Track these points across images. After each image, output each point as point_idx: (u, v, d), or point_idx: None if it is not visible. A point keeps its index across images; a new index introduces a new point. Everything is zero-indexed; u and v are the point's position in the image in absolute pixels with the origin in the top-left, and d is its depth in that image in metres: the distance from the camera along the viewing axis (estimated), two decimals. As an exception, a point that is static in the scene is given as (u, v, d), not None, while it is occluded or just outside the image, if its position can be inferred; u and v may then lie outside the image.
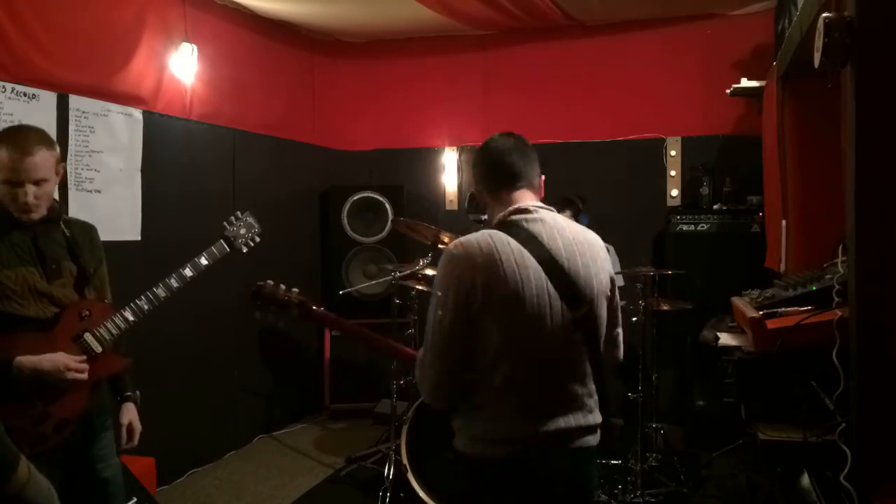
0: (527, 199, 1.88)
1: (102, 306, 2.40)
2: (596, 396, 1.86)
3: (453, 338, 1.74)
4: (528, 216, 1.83)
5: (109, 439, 2.46)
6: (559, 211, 1.98)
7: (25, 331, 2.19)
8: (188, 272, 2.57)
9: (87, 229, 2.48)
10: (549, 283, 1.74)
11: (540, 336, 1.74)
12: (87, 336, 2.31)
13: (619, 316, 1.98)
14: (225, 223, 2.72)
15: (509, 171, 1.90)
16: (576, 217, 4.61)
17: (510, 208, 1.86)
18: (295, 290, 2.21)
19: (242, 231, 2.75)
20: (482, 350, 1.73)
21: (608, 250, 5.12)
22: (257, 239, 2.79)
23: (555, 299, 1.74)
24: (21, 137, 2.21)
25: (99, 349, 2.32)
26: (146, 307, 2.45)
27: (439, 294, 1.77)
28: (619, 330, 1.99)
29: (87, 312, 2.33)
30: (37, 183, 2.20)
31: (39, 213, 2.26)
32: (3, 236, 2.21)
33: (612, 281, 1.91)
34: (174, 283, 2.53)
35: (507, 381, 1.73)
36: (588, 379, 1.83)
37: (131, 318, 2.41)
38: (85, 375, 2.24)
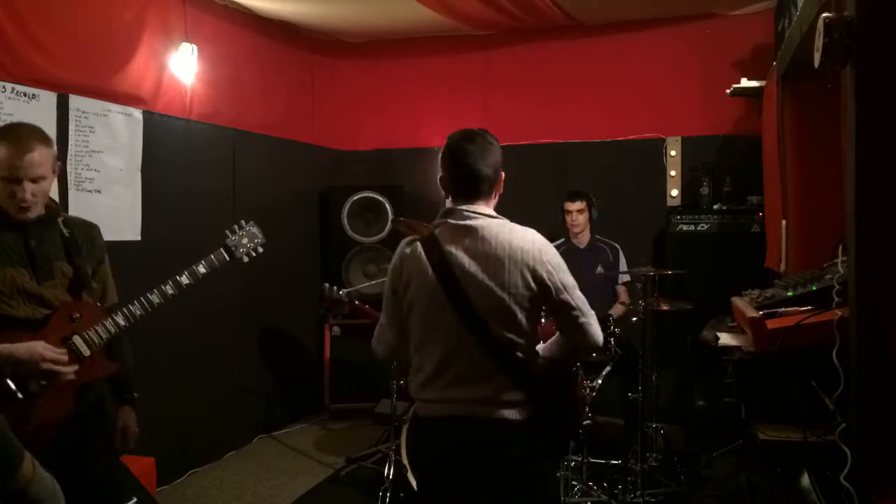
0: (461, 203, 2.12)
1: (94, 309, 2.35)
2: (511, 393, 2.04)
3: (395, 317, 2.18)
4: (451, 219, 2.09)
5: (103, 441, 2.42)
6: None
7: (14, 332, 2.16)
8: (185, 280, 2.51)
9: (88, 228, 2.45)
10: (441, 288, 2.02)
11: (438, 334, 2.04)
12: (76, 338, 2.27)
13: (575, 306, 2.06)
14: (227, 231, 2.67)
15: (466, 181, 2.11)
16: (589, 209, 4.66)
17: (444, 209, 2.15)
18: (343, 290, 3.00)
19: (245, 241, 2.69)
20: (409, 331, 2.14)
21: (616, 251, 5.13)
22: (260, 249, 2.73)
23: (445, 303, 2.02)
24: (19, 134, 2.19)
25: (87, 352, 2.28)
26: (139, 312, 2.39)
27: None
28: (582, 319, 2.06)
29: (78, 315, 2.29)
30: (34, 180, 2.19)
31: (36, 210, 2.24)
32: None
33: (543, 280, 2.03)
34: (169, 289, 2.47)
35: (419, 363, 2.10)
36: (491, 371, 2.02)
37: (122, 322, 2.36)
38: (65, 369, 2.20)
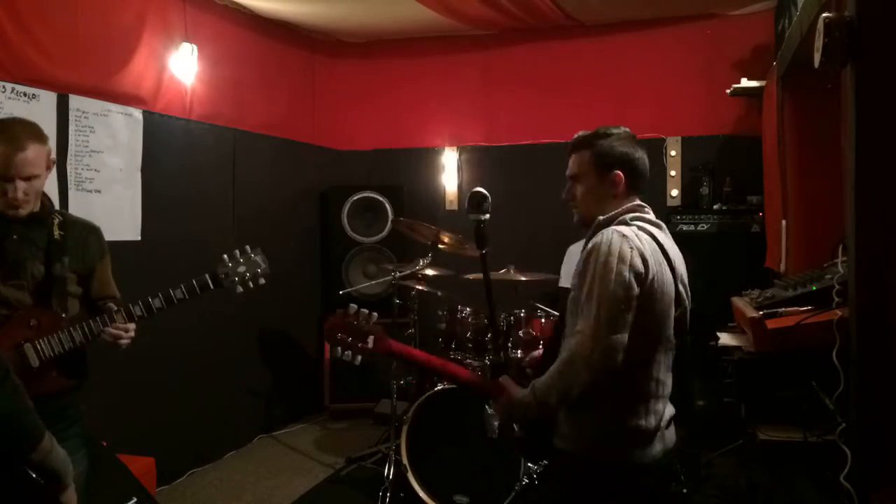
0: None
1: (55, 319, 2.21)
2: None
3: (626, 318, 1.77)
4: (648, 215, 1.98)
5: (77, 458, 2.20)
6: None
7: None
8: (157, 303, 2.32)
9: (85, 232, 2.38)
10: (672, 286, 1.88)
11: (668, 330, 1.88)
12: (27, 346, 2.13)
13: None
14: (225, 256, 2.47)
15: (643, 175, 2.05)
16: None
17: (629, 205, 1.98)
18: (374, 313, 1.94)
19: (241, 269, 2.48)
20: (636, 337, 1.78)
21: None
22: (261, 281, 2.51)
23: (672, 303, 1.89)
24: (12, 131, 2.14)
25: (36, 363, 2.13)
26: (96, 330, 2.23)
27: (611, 276, 1.76)
28: None
29: (35, 322, 2.17)
30: (27, 179, 2.14)
31: (28, 208, 2.19)
32: None
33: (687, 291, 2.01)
34: (138, 311, 2.29)
35: (650, 373, 1.85)
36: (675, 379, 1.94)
37: (79, 338, 2.20)
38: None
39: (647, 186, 2.07)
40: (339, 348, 1.97)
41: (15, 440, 1.35)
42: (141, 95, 4.11)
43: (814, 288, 2.50)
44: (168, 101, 4.34)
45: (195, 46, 4.48)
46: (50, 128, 3.51)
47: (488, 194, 2.14)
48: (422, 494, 3.49)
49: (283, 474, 4.47)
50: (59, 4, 3.59)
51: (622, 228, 1.84)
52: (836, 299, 2.29)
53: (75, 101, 3.69)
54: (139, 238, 4.06)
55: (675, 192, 5.43)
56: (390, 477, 3.82)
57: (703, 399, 4.73)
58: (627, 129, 2.06)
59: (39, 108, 3.48)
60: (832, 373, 2.05)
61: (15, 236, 2.20)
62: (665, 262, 1.86)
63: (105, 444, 2.96)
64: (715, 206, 5.06)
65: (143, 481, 3.05)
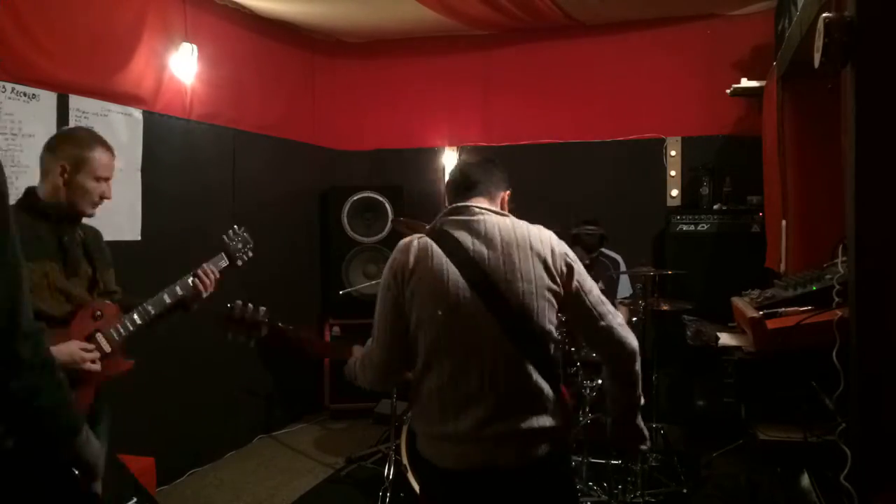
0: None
1: (113, 308, 2.47)
2: (547, 396, 1.81)
3: (396, 331, 1.87)
4: (459, 216, 1.91)
5: (106, 436, 2.47)
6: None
7: None
8: (189, 281, 2.71)
9: (97, 234, 2.57)
10: (468, 286, 1.79)
11: (464, 336, 1.79)
12: (99, 336, 2.38)
13: (600, 309, 1.89)
14: (224, 237, 2.80)
15: (463, 182, 1.99)
16: (600, 242, 4.59)
17: (450, 207, 1.97)
18: (262, 308, 2.26)
19: (239, 245, 2.88)
20: (415, 346, 1.84)
21: (617, 264, 4.99)
22: (250, 254, 2.90)
23: (474, 301, 1.78)
24: (102, 140, 2.46)
25: (109, 349, 2.39)
26: (153, 311, 2.54)
27: (381, 289, 1.93)
28: (605, 322, 1.88)
29: (100, 313, 2.41)
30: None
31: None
32: (34, 227, 2.29)
33: (562, 271, 1.86)
34: (178, 290, 2.65)
35: (435, 383, 1.80)
36: (530, 379, 1.79)
37: (139, 321, 2.50)
38: (98, 367, 2.32)
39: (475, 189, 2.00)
40: (232, 335, 2.23)
41: (58, 432, 1.39)
42: (141, 95, 4.11)
43: (814, 288, 2.50)
44: (168, 101, 4.34)
45: (195, 46, 4.48)
46: (50, 128, 3.51)
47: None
48: (422, 494, 3.48)
49: (283, 474, 4.47)
50: (59, 4, 3.59)
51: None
52: (836, 299, 2.29)
53: (75, 101, 3.69)
54: (139, 238, 4.06)
55: (675, 192, 5.43)
56: (390, 477, 3.82)
57: (703, 399, 4.74)
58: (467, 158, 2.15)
59: (39, 108, 3.48)
60: (832, 373, 2.05)
61: (65, 236, 2.38)
62: (447, 261, 1.81)
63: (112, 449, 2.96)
64: (715, 206, 5.06)
65: (143, 481, 3.05)
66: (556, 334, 1.86)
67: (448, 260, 1.81)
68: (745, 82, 4.84)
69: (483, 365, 1.77)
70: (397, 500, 3.73)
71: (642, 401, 1.99)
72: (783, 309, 2.51)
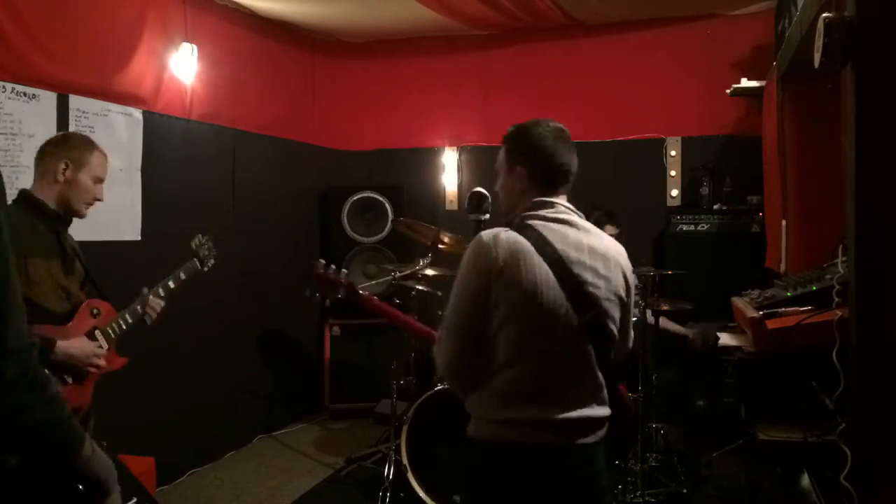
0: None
1: (108, 305, 2.54)
2: (605, 393, 1.89)
3: (470, 323, 1.83)
4: (549, 213, 1.88)
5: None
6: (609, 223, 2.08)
7: (42, 321, 2.30)
8: (170, 282, 2.80)
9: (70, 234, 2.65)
10: (559, 286, 1.79)
11: (551, 335, 1.80)
12: (97, 333, 2.44)
13: (631, 314, 2.00)
14: (192, 244, 2.98)
15: (559, 170, 1.95)
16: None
17: (532, 202, 1.91)
18: (344, 270, 2.53)
19: (206, 251, 3.02)
20: (496, 340, 1.81)
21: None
22: (213, 261, 3.05)
23: (564, 302, 1.79)
24: (95, 144, 2.57)
25: (106, 346, 2.46)
26: (140, 311, 2.63)
27: (460, 281, 1.85)
28: (629, 342, 2.02)
29: (97, 311, 2.48)
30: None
31: None
32: (33, 226, 2.35)
33: (628, 284, 1.94)
34: (160, 290, 2.74)
35: (518, 375, 1.80)
36: (595, 378, 1.86)
37: (130, 320, 2.58)
38: (105, 364, 2.41)
39: (568, 183, 1.98)
40: (310, 292, 2.47)
41: (58, 448, 1.33)
42: (141, 95, 4.11)
43: (814, 288, 2.50)
44: (168, 101, 4.34)
45: (195, 46, 4.48)
46: (50, 128, 3.51)
47: (488, 194, 2.16)
48: (422, 494, 3.49)
49: (283, 474, 4.47)
50: (59, 4, 3.59)
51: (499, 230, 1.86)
52: (836, 299, 2.29)
53: (75, 101, 3.69)
54: (139, 238, 4.06)
55: (675, 192, 5.43)
56: (390, 477, 3.82)
57: (703, 399, 4.74)
58: (554, 124, 2.01)
59: (39, 108, 3.48)
60: (832, 373, 2.05)
61: (62, 234, 2.46)
62: (540, 260, 1.79)
63: (105, 444, 2.95)
64: (715, 206, 5.06)
65: (143, 481, 3.04)
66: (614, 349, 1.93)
67: (541, 260, 1.79)
68: (745, 82, 4.84)
69: (565, 363, 1.83)
70: (397, 500, 3.73)
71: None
72: (783, 309, 2.51)
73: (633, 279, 1.97)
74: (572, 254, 1.83)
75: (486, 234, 1.84)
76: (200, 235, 3.02)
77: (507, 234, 1.82)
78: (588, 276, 1.83)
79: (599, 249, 1.87)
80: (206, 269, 3.00)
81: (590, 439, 1.84)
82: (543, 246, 1.81)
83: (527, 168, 1.94)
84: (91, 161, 2.48)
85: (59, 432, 1.32)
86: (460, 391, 1.92)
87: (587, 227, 1.92)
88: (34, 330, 2.21)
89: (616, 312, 1.88)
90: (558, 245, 1.82)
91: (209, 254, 3.03)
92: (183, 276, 2.85)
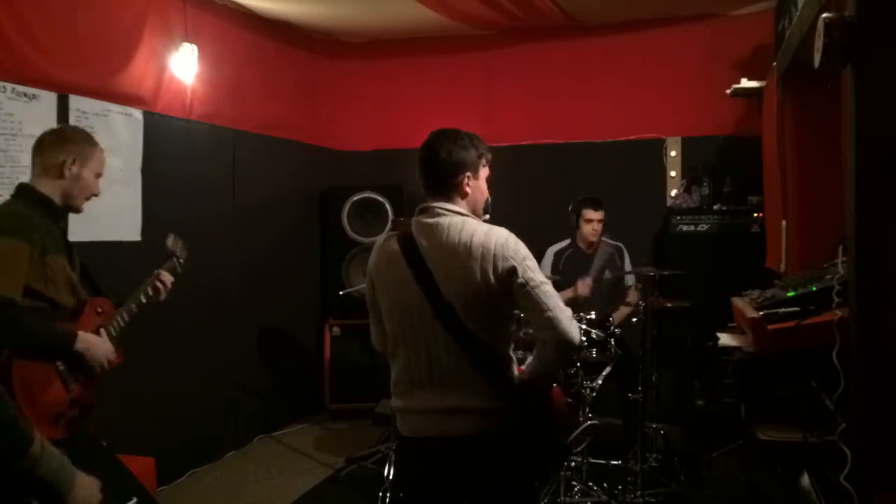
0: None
1: (109, 303, 2.56)
2: (482, 380, 2.05)
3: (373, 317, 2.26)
4: (422, 217, 2.14)
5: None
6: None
7: (59, 318, 2.32)
8: (153, 285, 2.76)
9: None
10: (414, 280, 2.04)
11: (410, 323, 2.07)
12: (102, 330, 2.45)
13: (540, 301, 2.03)
14: (167, 244, 2.94)
15: (432, 175, 2.19)
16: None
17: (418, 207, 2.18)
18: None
19: (178, 251, 2.99)
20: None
21: (621, 251, 5.04)
22: (182, 261, 3.01)
23: (420, 300, 2.04)
24: (94, 138, 2.57)
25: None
26: (135, 309, 2.64)
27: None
28: (549, 314, 2.03)
29: (101, 309, 2.49)
30: None
31: None
32: (48, 223, 2.35)
33: (505, 272, 2.02)
34: (150, 290, 2.72)
35: (398, 366, 2.15)
36: (465, 367, 2.04)
37: (127, 318, 2.60)
38: (116, 360, 2.44)
39: (427, 185, 2.18)
40: None
41: (6, 448, 1.27)
42: (141, 95, 4.11)
43: (814, 288, 2.50)
44: (168, 101, 4.34)
45: (195, 46, 4.48)
46: (50, 128, 3.51)
47: (488, 194, 2.18)
48: (422, 494, 3.48)
49: (283, 474, 4.47)
50: (59, 4, 3.59)
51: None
52: (836, 299, 2.29)
53: (75, 101, 3.69)
54: (139, 238, 4.06)
55: (675, 192, 5.43)
56: (390, 477, 3.82)
57: (703, 399, 4.74)
58: (438, 131, 2.23)
59: (39, 108, 3.48)
60: (832, 373, 2.05)
61: (65, 231, 2.47)
62: (401, 261, 2.07)
63: (105, 444, 2.96)
64: (715, 206, 5.06)
65: (143, 481, 3.05)
66: (489, 339, 2.06)
67: (405, 261, 2.07)
68: (745, 82, 4.84)
69: (428, 354, 2.06)
70: (397, 500, 3.73)
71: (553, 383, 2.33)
72: (783, 309, 2.51)
73: (507, 264, 2.03)
74: (430, 252, 2.05)
75: (379, 238, 2.23)
76: (174, 235, 3.00)
77: (387, 238, 2.17)
78: (441, 273, 2.03)
79: (455, 247, 2.04)
80: (179, 270, 2.95)
81: (458, 431, 2.03)
82: (407, 242, 2.08)
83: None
84: (95, 156, 2.50)
85: (9, 431, 1.29)
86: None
87: (456, 225, 2.08)
88: (58, 326, 2.27)
89: (481, 306, 2.02)
90: (420, 241, 2.07)
91: (181, 254, 3.00)
92: (159, 283, 2.75)
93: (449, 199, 2.14)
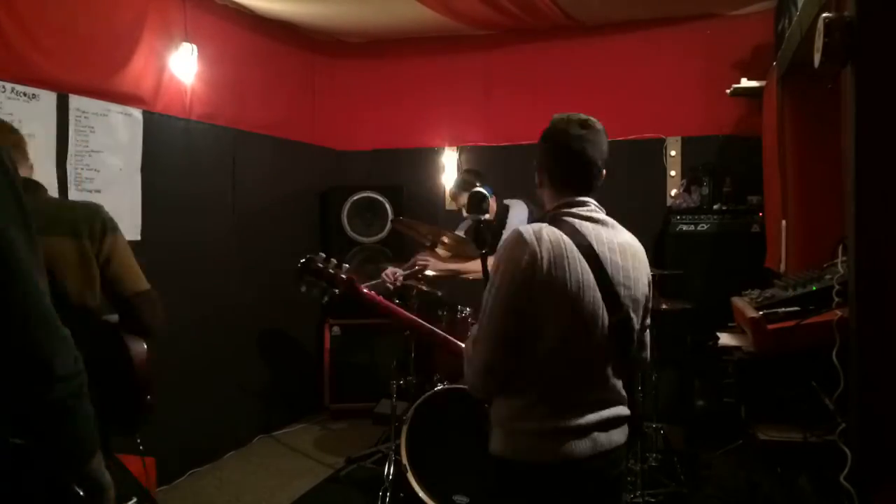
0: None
1: None
2: (624, 395, 1.88)
3: (507, 325, 1.73)
4: (583, 211, 1.83)
5: None
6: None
7: None
8: None
9: None
10: (597, 286, 1.73)
11: (588, 337, 1.74)
12: None
13: (649, 319, 1.95)
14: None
15: (590, 170, 1.88)
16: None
17: (564, 200, 1.86)
18: (345, 265, 2.33)
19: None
20: (532, 343, 1.73)
21: (520, 203, 4.68)
22: None
23: (600, 302, 1.74)
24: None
25: None
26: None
27: (497, 280, 1.75)
28: (648, 333, 1.97)
29: None
30: None
31: None
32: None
33: (650, 286, 1.92)
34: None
35: (553, 376, 1.74)
36: (618, 381, 1.85)
37: None
38: None
39: (596, 180, 1.89)
40: (306, 288, 2.38)
41: (82, 447, 1.26)
42: (141, 95, 4.11)
43: (814, 288, 2.50)
44: (168, 101, 4.34)
45: (195, 46, 4.48)
46: (50, 128, 3.52)
47: (488, 194, 2.16)
48: (422, 494, 3.48)
49: (282, 474, 4.47)
50: (59, 4, 3.59)
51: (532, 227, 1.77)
52: (836, 299, 2.29)
53: (75, 101, 3.69)
54: (139, 238, 4.06)
55: (675, 192, 5.43)
56: (390, 477, 3.82)
57: (703, 399, 4.74)
58: (577, 117, 1.96)
59: (39, 108, 3.48)
60: (832, 373, 2.05)
61: None
62: (581, 260, 1.72)
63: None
64: (715, 206, 5.06)
65: (143, 481, 3.05)
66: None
67: (582, 259, 1.72)
68: (745, 82, 4.84)
69: (601, 367, 1.80)
70: (397, 500, 3.73)
71: None
72: (783, 309, 2.51)
73: (651, 281, 1.94)
74: (606, 253, 1.77)
75: (527, 229, 1.74)
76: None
77: (549, 231, 1.74)
78: (620, 277, 1.78)
79: (629, 248, 1.84)
80: None
81: (617, 442, 1.82)
82: (581, 244, 1.74)
83: (548, 167, 1.92)
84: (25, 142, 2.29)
85: (90, 430, 1.27)
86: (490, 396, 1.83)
87: (616, 225, 1.89)
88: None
89: (639, 315, 1.85)
90: (594, 244, 1.76)
91: None
92: None
93: (594, 198, 1.89)
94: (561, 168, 1.90)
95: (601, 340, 1.75)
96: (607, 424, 1.79)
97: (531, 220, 4.33)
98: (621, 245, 1.82)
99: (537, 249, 1.70)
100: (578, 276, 1.70)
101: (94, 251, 2.14)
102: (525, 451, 1.76)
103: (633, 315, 1.81)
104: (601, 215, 1.86)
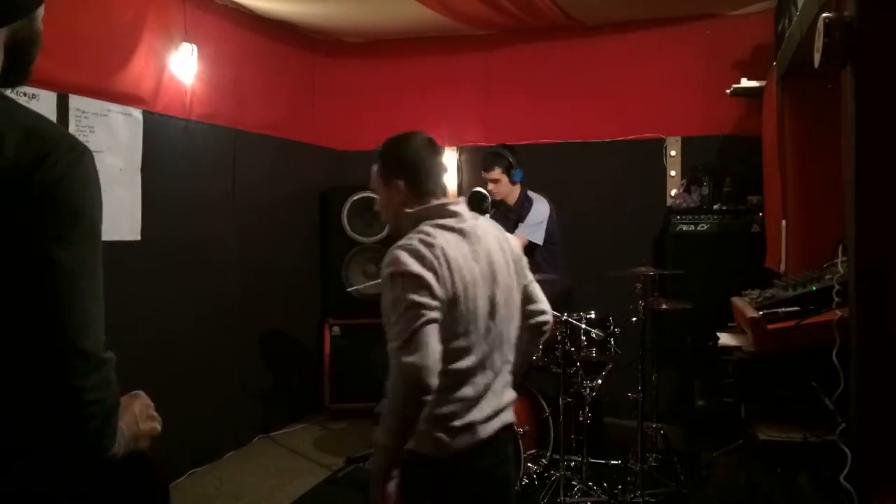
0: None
1: None
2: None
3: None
4: (451, 221, 1.98)
5: None
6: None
7: None
8: None
9: None
10: (484, 279, 1.96)
11: (480, 325, 1.95)
12: None
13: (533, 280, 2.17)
14: None
15: (437, 172, 2.06)
16: (508, 173, 4.38)
17: (434, 205, 2.00)
18: None
19: None
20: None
21: (543, 201, 4.78)
22: None
23: (484, 292, 1.95)
24: None
25: None
26: None
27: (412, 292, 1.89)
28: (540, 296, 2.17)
29: None
30: None
31: None
32: None
33: (513, 263, 2.08)
34: None
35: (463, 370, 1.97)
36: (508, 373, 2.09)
37: None
38: None
39: (437, 183, 2.05)
40: None
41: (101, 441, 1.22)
42: (141, 95, 4.11)
43: (814, 288, 2.49)
44: (168, 101, 4.34)
45: (195, 46, 4.48)
46: (50, 128, 3.51)
47: (488, 194, 2.18)
48: (422, 494, 3.48)
49: (282, 474, 4.47)
50: (59, 4, 3.58)
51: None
52: (836, 299, 2.29)
53: (75, 101, 3.69)
54: (139, 238, 4.06)
55: (675, 192, 5.43)
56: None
57: (703, 399, 4.73)
58: (423, 136, 2.06)
59: (39, 108, 3.47)
60: (832, 373, 2.05)
61: None
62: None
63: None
64: (715, 206, 5.06)
65: (142, 481, 3.04)
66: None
67: (472, 258, 1.94)
68: (745, 82, 4.84)
69: (495, 356, 2.01)
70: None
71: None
72: (783, 309, 2.51)
73: (517, 253, 2.11)
74: (488, 245, 1.98)
75: (408, 244, 1.91)
76: None
77: (430, 241, 1.90)
78: (497, 265, 1.99)
79: (496, 241, 2.03)
80: None
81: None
82: (468, 236, 1.96)
83: (406, 181, 2.00)
84: None
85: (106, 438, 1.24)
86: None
87: (482, 223, 2.06)
88: None
89: (517, 296, 2.06)
90: (455, 253, 1.91)
91: None
92: None
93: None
94: (424, 175, 2.08)
95: (486, 340, 2.02)
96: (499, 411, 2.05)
97: (551, 219, 4.41)
98: (492, 239, 2.07)
99: (435, 249, 1.95)
100: (468, 271, 1.96)
101: None
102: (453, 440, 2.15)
103: (510, 302, 2.07)
104: (467, 214, 2.05)
